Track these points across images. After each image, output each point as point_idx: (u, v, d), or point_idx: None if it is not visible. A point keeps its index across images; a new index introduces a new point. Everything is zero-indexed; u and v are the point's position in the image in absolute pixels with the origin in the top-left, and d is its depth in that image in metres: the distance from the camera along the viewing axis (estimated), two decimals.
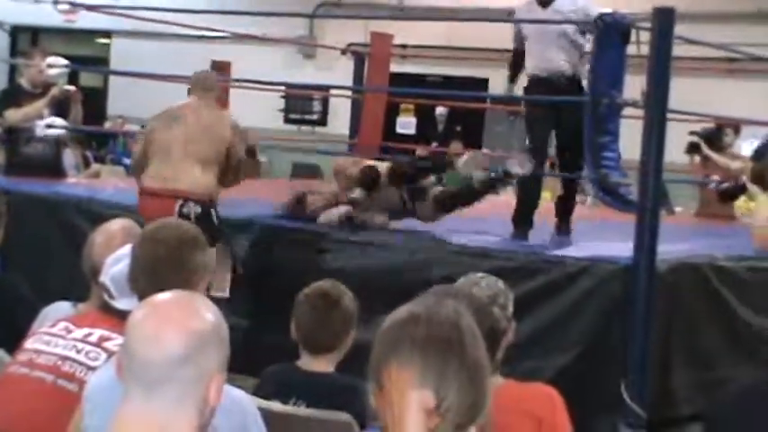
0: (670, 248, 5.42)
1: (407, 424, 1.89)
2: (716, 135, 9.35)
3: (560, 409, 2.91)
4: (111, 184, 8.89)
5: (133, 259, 2.93)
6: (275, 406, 3.22)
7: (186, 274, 2.85)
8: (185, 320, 1.97)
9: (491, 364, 2.10)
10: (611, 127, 5.73)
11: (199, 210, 5.32)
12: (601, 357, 5.04)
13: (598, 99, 5.64)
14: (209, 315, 2.01)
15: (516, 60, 6.48)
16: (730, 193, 8.97)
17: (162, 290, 2.14)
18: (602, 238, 6.37)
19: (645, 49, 5.32)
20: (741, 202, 9.99)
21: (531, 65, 6.27)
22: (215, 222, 5.38)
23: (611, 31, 5.70)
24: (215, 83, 5.85)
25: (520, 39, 6.39)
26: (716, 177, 9.27)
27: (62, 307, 3.51)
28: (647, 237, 4.99)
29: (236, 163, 5.55)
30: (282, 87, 14.29)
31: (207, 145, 5.43)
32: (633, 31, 5.72)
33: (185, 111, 5.56)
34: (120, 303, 3.00)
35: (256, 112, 15.41)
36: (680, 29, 5.25)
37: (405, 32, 12.34)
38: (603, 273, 5.10)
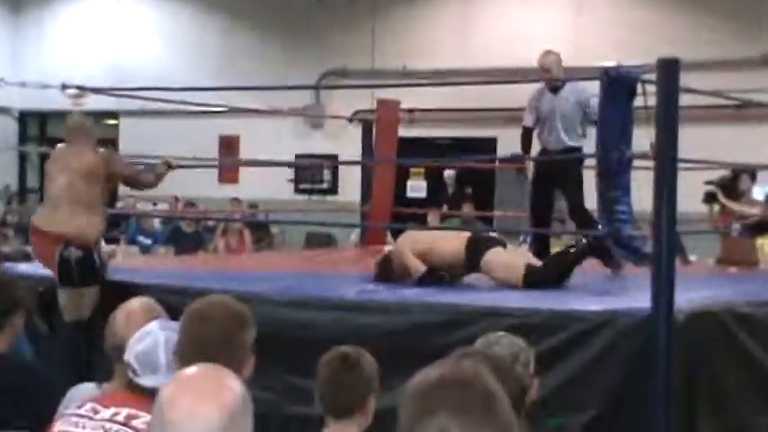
0: (689, 297, 5.42)
1: None
2: (732, 182, 9.34)
3: None
4: (127, 263, 8.94)
5: (182, 337, 2.95)
6: None
7: (235, 353, 2.86)
8: (218, 395, 2.02)
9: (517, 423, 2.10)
10: (621, 181, 5.76)
11: (80, 254, 5.93)
12: (625, 412, 5.02)
13: (608, 153, 5.67)
14: (236, 385, 2.06)
15: (527, 136, 7.85)
16: (757, 229, 8.96)
17: None
18: (620, 291, 6.37)
19: (652, 101, 5.36)
20: (765, 247, 9.98)
21: (541, 139, 7.69)
22: (95, 266, 6.01)
23: (617, 86, 5.75)
24: (92, 128, 6.59)
25: (532, 119, 7.73)
26: (736, 226, 9.25)
27: (87, 387, 3.53)
28: (664, 287, 4.99)
29: (129, 179, 6.45)
30: (292, 158, 14.36)
31: (87, 188, 6.09)
32: (639, 84, 5.76)
33: (66, 156, 6.27)
34: (146, 381, 3.02)
35: (266, 183, 15.59)
36: (686, 78, 5.29)
37: (411, 97, 12.44)
38: (622, 326, 5.09)
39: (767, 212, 9.38)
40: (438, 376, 1.97)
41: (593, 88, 6.45)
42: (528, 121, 7.79)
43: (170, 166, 7.02)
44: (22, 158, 19.21)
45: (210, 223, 13.97)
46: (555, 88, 7.57)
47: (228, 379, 2.08)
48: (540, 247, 7.69)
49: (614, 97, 5.73)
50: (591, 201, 6.25)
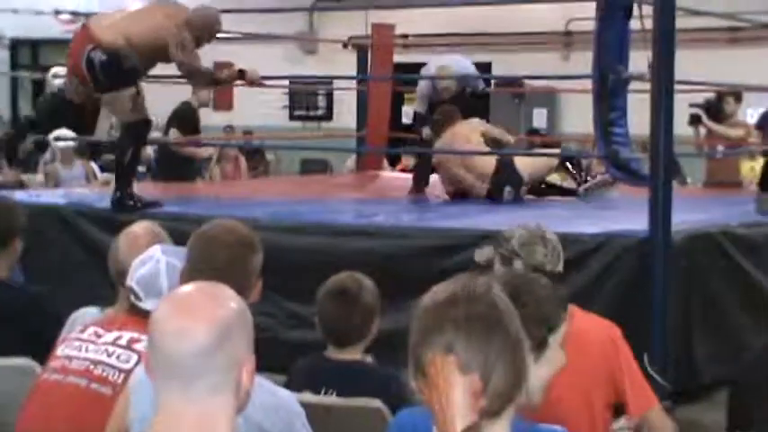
0: (684, 219, 5.44)
1: (457, 410, 1.88)
2: (716, 105, 9.38)
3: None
4: None
5: (190, 259, 2.94)
6: (306, 397, 3.25)
7: (242, 276, 2.86)
8: (209, 311, 1.96)
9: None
10: (618, 102, 5.75)
11: (104, 57, 5.92)
12: (622, 331, 5.06)
13: (605, 74, 5.65)
14: (232, 302, 2.00)
15: None
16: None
17: None
18: (617, 212, 6.39)
19: (648, 23, 5.33)
20: (747, 169, 10.03)
21: None
22: (122, 68, 5.98)
23: (614, 7, 5.72)
24: None
25: None
26: (720, 148, 9.31)
27: (90, 312, 3.55)
28: (661, 209, 5.01)
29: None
30: (286, 83, 14.27)
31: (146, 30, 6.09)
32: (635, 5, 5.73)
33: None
34: (148, 305, 3.04)
35: (260, 110, 15.51)
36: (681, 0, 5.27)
37: (406, 22, 12.35)
38: (620, 247, 5.12)
39: (750, 135, 9.44)
40: (449, 292, 1.97)
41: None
42: None
43: (242, 76, 6.63)
44: (14, 87, 19.07)
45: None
46: None
47: (224, 295, 2.01)
48: None
49: (611, 18, 5.71)
50: (588, 125, 6.24)
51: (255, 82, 6.74)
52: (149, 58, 6.24)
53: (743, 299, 5.56)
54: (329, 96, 16.20)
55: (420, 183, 7.88)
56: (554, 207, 6.95)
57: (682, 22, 5.49)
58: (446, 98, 7.52)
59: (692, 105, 9.34)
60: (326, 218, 6.21)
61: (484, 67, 14.62)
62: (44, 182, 10.93)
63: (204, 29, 6.30)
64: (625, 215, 5.93)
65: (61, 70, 7.88)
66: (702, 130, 9.50)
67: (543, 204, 7.15)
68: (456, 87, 7.57)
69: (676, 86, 5.26)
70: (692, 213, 5.97)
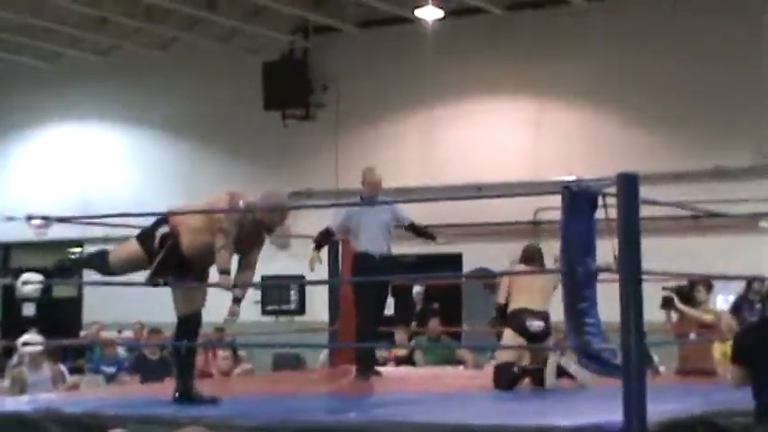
0: (659, 409, 5.39)
1: None
2: (689, 291, 9.45)
3: None
4: (91, 394, 8.79)
5: None
6: None
7: None
8: None
9: None
10: (588, 293, 5.78)
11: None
12: None
13: (573, 267, 5.69)
14: None
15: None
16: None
17: None
18: (591, 402, 6.33)
19: (613, 213, 5.40)
20: (719, 355, 10.03)
21: None
22: None
23: (579, 200, 5.80)
24: None
25: None
26: (693, 335, 9.32)
27: None
28: (635, 400, 4.97)
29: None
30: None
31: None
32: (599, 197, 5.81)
33: None
34: None
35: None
36: (642, 190, 5.34)
37: None
38: None
39: (721, 321, 9.50)
40: None
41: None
42: None
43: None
44: None
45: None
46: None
47: None
48: None
49: (577, 211, 5.78)
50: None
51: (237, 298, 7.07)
52: None
53: None
54: (301, 290, 16.21)
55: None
56: (527, 398, 6.89)
57: (648, 210, 5.57)
58: None
59: (664, 288, 9.40)
60: (298, 416, 6.11)
61: (455, 259, 14.79)
62: (10, 387, 10.76)
63: None
64: (600, 405, 5.87)
65: (33, 276, 7.85)
66: (674, 315, 9.52)
67: (517, 394, 7.10)
68: None
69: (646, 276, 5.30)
70: (666, 403, 5.92)
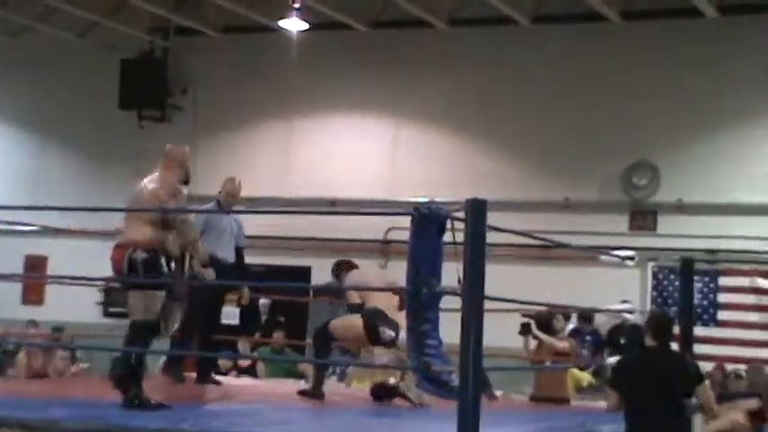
0: None
1: None
2: (547, 319, 9.62)
3: None
4: None
5: None
6: None
7: None
8: None
9: None
10: (431, 315, 5.80)
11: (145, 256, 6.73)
12: None
13: (418, 288, 5.71)
14: None
15: None
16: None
17: None
18: (425, 423, 6.36)
19: (460, 237, 5.44)
20: (574, 382, 10.25)
21: None
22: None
23: (427, 222, 5.83)
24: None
25: None
26: (547, 363, 9.47)
27: None
28: (470, 423, 5.01)
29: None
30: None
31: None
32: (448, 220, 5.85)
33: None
34: None
35: (74, 306, 15.09)
36: (493, 216, 5.39)
37: None
38: None
39: (574, 350, 9.73)
40: None
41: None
42: None
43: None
44: None
45: (10, 347, 13.43)
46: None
47: None
48: None
49: (425, 233, 5.80)
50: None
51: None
52: None
53: None
54: None
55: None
56: (364, 414, 6.89)
57: (495, 236, 5.62)
58: None
59: (524, 315, 9.56)
60: (133, 422, 5.98)
61: (304, 272, 14.74)
62: None
63: None
64: (434, 426, 5.91)
65: None
66: (532, 342, 9.66)
67: (348, 408, 7.09)
68: None
69: (490, 303, 5.35)
70: (500, 427, 5.99)
